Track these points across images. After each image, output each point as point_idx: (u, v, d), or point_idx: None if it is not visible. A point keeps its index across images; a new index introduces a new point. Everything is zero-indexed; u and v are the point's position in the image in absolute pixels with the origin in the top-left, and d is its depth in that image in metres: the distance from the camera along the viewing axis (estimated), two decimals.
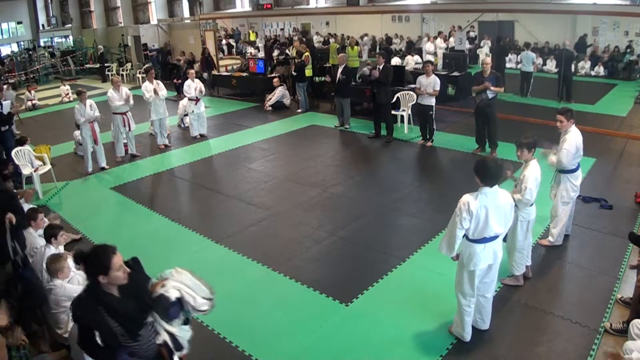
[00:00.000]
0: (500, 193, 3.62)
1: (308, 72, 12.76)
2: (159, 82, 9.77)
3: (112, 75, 8.99)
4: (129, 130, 9.04)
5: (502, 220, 3.65)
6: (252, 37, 20.65)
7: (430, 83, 8.63)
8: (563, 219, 5.18)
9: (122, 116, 8.86)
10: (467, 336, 3.92)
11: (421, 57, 16.36)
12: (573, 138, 4.86)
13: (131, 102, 8.86)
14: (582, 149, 5.03)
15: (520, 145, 4.42)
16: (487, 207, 3.54)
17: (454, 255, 3.76)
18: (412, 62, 14.98)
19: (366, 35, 22.46)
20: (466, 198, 3.56)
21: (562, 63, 12.17)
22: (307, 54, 12.93)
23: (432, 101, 8.73)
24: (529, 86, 12.77)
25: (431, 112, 8.79)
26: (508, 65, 15.02)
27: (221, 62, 18.13)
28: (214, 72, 15.79)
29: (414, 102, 10.21)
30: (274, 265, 5.23)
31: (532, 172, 4.31)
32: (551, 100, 11.99)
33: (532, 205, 4.46)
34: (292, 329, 4.25)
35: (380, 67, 9.12)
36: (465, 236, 3.65)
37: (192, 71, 10.70)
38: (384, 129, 9.60)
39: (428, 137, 9.12)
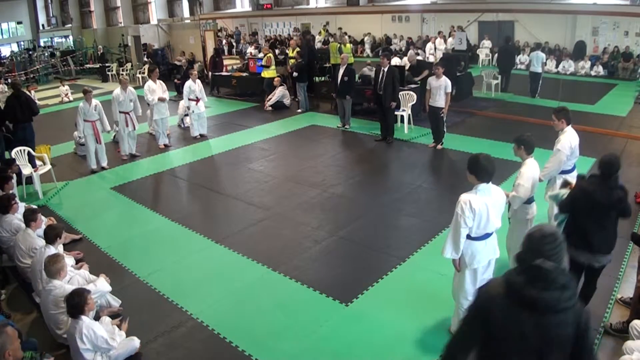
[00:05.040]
0: (494, 188, 3.67)
1: (270, 73, 13.06)
2: (162, 82, 9.76)
3: (121, 75, 9.06)
4: (132, 129, 9.06)
5: (500, 214, 3.72)
6: (322, 34, 20.20)
7: (441, 85, 8.42)
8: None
9: (125, 115, 8.89)
10: None
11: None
12: (567, 139, 4.84)
13: (139, 109, 9.09)
14: (581, 149, 5.03)
15: (515, 141, 4.44)
16: (487, 203, 3.58)
17: (457, 258, 3.74)
18: (427, 51, 14.90)
19: (369, 34, 22.48)
20: (466, 197, 3.58)
21: None
22: (270, 55, 13.01)
23: (443, 102, 8.53)
24: (537, 87, 12.74)
25: (442, 114, 8.60)
26: None
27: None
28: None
29: (414, 102, 10.23)
30: (274, 265, 5.23)
31: (527, 170, 4.30)
32: (557, 100, 11.92)
33: (531, 203, 4.46)
34: (292, 329, 4.25)
35: (385, 70, 9.03)
36: (469, 236, 3.65)
37: (195, 72, 10.65)
38: (385, 129, 9.58)
39: (439, 139, 8.94)
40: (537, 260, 2.01)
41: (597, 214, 3.79)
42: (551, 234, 2.10)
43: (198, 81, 10.32)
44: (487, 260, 3.77)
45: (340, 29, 19.84)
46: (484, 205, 3.56)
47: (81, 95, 8.58)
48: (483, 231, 3.65)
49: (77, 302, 3.62)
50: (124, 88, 8.85)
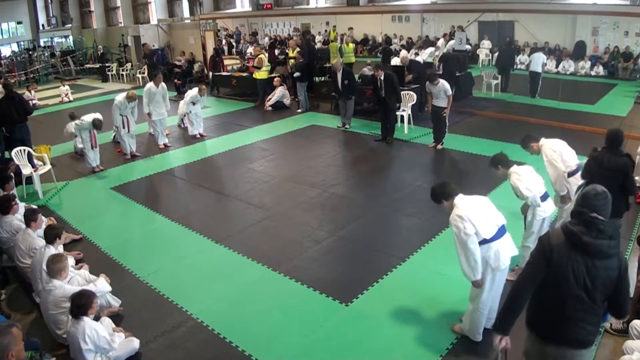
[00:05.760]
0: (470, 197, 3.72)
1: (260, 74, 13.09)
2: (164, 85, 9.72)
3: (130, 91, 9.03)
4: (128, 131, 9.06)
5: (493, 207, 3.76)
6: (332, 35, 19.99)
7: (440, 90, 8.42)
8: (566, 219, 5.19)
9: (122, 117, 8.90)
10: (480, 336, 3.93)
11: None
12: (547, 148, 4.87)
13: (136, 114, 9.19)
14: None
15: (491, 164, 4.50)
16: (474, 206, 3.62)
17: (479, 279, 3.65)
18: (427, 53, 14.89)
19: (381, 33, 22.19)
20: (453, 214, 3.60)
21: None
22: (261, 56, 12.99)
23: (445, 103, 8.51)
24: (537, 87, 12.73)
25: (444, 114, 8.58)
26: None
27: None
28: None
29: (414, 102, 10.23)
30: (274, 265, 5.23)
31: (516, 178, 4.29)
32: (557, 100, 11.92)
33: (545, 200, 4.46)
34: (292, 329, 4.25)
35: (382, 78, 9.01)
36: (485, 240, 3.60)
37: (204, 88, 10.54)
38: (385, 130, 9.56)
39: (439, 139, 8.90)
40: (591, 213, 2.49)
41: (606, 179, 4.08)
42: (603, 192, 2.58)
43: (205, 96, 10.44)
44: (509, 258, 3.72)
45: (351, 28, 19.80)
46: (472, 208, 3.59)
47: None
48: (495, 228, 3.63)
49: (84, 302, 3.61)
50: (128, 100, 8.85)
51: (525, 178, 4.29)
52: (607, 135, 4.56)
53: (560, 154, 4.87)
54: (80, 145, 9.05)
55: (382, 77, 9.02)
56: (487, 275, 3.71)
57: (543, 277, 2.60)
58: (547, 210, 4.49)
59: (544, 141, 4.94)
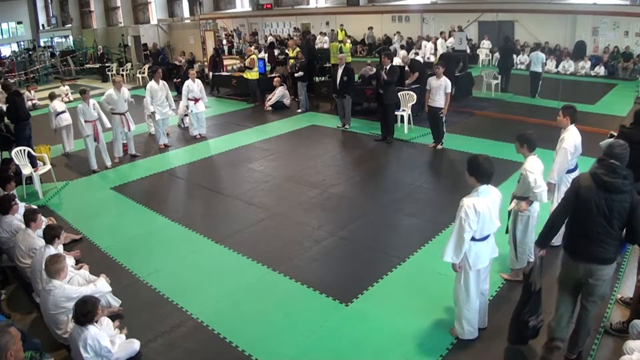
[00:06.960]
0: (492, 189, 3.70)
1: (252, 75, 13.15)
2: (164, 83, 9.70)
3: (113, 75, 8.93)
4: (128, 130, 9.04)
5: (498, 214, 3.75)
6: (341, 35, 19.83)
7: (442, 85, 8.40)
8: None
9: (120, 116, 8.85)
10: (476, 332, 3.95)
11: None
12: (571, 137, 4.87)
13: (130, 100, 8.96)
14: (582, 149, 5.05)
15: (518, 139, 4.48)
16: (489, 205, 3.60)
17: (458, 263, 3.71)
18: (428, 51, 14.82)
19: (398, 32, 21.62)
20: (470, 201, 3.56)
21: None
22: (253, 57, 13.02)
23: (442, 103, 8.51)
24: (537, 87, 12.72)
25: (441, 114, 8.57)
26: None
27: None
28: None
29: (414, 102, 10.23)
30: (274, 265, 5.23)
31: (533, 165, 4.33)
32: (557, 100, 11.90)
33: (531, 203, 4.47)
34: (292, 329, 4.25)
35: (388, 67, 9.01)
36: (472, 238, 3.64)
37: (194, 72, 10.63)
38: (385, 129, 9.57)
39: (439, 139, 8.92)
40: (610, 160, 3.28)
41: (633, 151, 4.55)
42: (624, 144, 3.42)
43: (198, 81, 10.33)
44: (489, 260, 3.79)
45: (370, 28, 19.51)
46: (486, 207, 3.58)
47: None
48: (486, 232, 3.66)
49: (89, 310, 3.58)
50: (117, 88, 8.78)
51: (540, 171, 4.32)
52: (635, 113, 5.03)
53: (575, 150, 4.90)
54: (66, 148, 8.96)
55: (388, 67, 9.01)
56: (470, 273, 3.74)
57: (574, 208, 3.37)
58: (532, 209, 4.51)
59: (572, 128, 4.94)
